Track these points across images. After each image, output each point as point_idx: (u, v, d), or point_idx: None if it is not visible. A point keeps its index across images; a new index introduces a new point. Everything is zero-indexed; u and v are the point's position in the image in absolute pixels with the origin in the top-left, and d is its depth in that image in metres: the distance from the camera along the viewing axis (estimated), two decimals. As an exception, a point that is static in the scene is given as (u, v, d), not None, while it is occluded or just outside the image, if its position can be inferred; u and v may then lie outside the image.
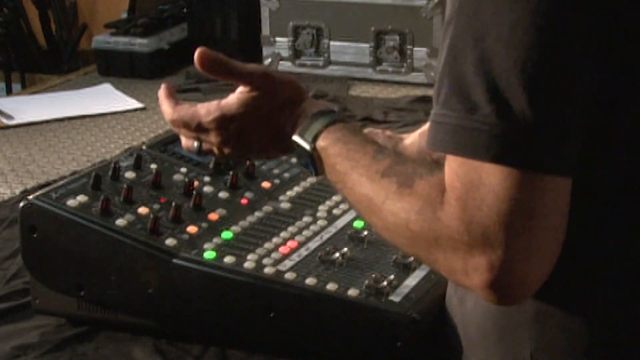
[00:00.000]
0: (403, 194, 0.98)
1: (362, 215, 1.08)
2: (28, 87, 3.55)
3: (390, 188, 1.00)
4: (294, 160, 1.52)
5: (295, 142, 1.13)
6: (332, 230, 1.40)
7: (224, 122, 1.16)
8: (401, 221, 0.98)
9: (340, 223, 1.42)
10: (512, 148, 0.90)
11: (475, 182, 0.92)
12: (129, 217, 1.34)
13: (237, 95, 1.17)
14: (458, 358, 1.14)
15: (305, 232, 1.38)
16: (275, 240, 1.35)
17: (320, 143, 1.10)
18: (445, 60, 0.94)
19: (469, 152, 0.92)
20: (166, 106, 1.21)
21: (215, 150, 1.19)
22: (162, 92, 1.23)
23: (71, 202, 1.34)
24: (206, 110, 1.17)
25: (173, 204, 1.36)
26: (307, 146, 1.11)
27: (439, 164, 0.99)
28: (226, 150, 1.19)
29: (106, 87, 2.86)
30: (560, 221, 0.93)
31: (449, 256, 0.95)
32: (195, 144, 1.20)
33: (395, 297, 1.23)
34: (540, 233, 0.92)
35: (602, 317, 0.99)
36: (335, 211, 1.45)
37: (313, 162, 1.11)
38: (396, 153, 1.06)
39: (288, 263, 1.30)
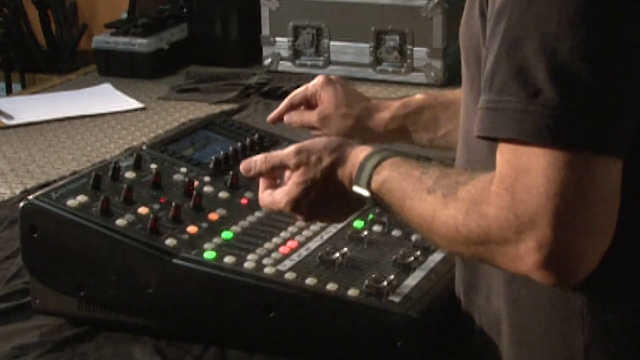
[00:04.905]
0: (448, 203, 1.01)
1: (426, 238, 1.12)
2: (28, 87, 3.55)
3: (436, 201, 1.03)
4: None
5: (357, 193, 1.16)
6: (332, 230, 1.40)
7: (297, 207, 1.21)
8: (451, 228, 1.01)
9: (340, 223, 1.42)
10: (574, 129, 0.91)
11: (526, 167, 0.93)
12: (129, 217, 1.34)
13: (290, 180, 1.21)
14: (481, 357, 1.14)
15: (305, 232, 1.38)
16: (275, 240, 1.35)
17: (373, 187, 1.13)
18: (500, 48, 0.94)
19: (533, 136, 0.92)
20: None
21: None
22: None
23: (71, 202, 1.34)
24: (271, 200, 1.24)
25: (173, 204, 1.36)
26: (366, 193, 1.14)
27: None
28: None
29: (106, 87, 2.86)
30: (611, 201, 0.94)
31: (503, 248, 0.96)
32: None
33: (395, 297, 1.23)
34: (589, 212, 0.93)
35: None
36: (335, 211, 1.45)
37: (377, 205, 1.15)
38: (441, 168, 1.08)
39: (288, 263, 1.30)
